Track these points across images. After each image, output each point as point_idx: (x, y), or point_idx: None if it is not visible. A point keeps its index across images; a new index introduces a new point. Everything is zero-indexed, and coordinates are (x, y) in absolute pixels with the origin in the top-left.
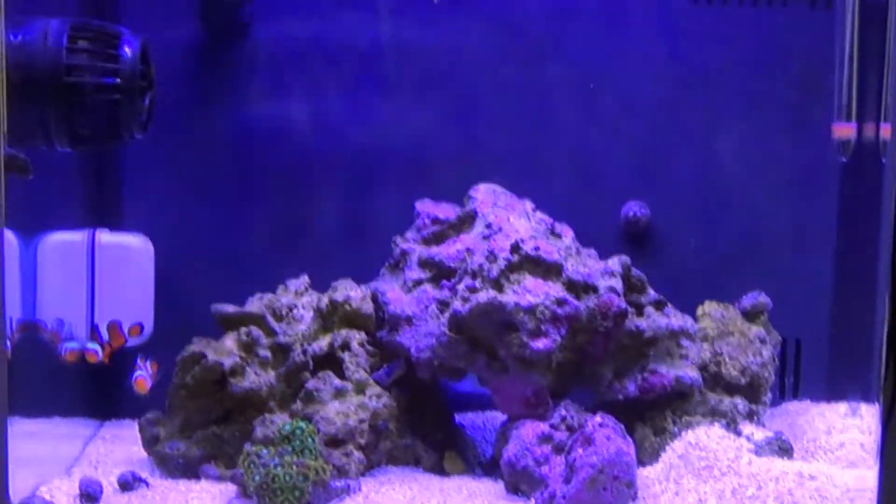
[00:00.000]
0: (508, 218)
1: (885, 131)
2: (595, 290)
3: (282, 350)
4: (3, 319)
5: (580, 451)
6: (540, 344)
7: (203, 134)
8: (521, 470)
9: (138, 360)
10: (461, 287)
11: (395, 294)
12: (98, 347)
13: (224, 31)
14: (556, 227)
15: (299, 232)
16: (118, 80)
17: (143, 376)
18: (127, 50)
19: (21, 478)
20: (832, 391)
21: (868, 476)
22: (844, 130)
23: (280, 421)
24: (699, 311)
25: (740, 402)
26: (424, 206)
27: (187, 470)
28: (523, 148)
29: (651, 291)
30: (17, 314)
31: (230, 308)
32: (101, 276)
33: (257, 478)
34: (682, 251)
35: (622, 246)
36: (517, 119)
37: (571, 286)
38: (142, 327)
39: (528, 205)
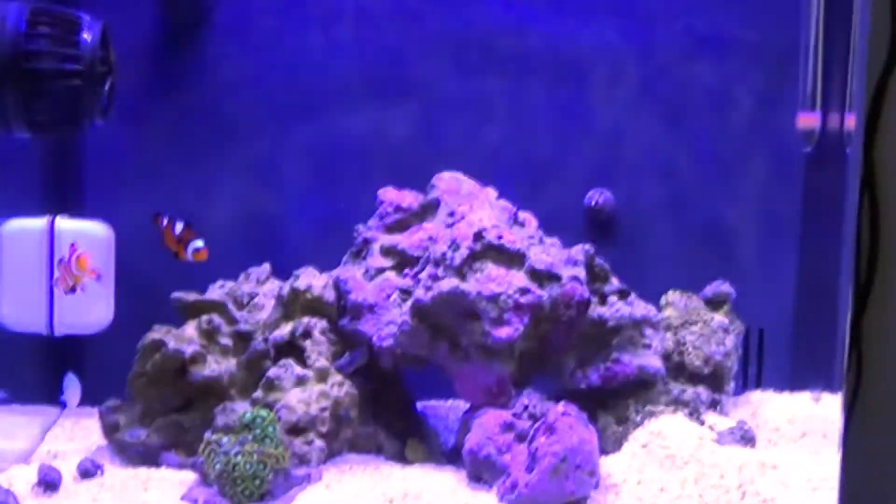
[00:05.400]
0: (471, 206)
1: (850, 122)
2: (558, 279)
3: (243, 338)
4: None
5: (542, 439)
6: (502, 333)
7: (164, 120)
8: (483, 459)
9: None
10: (424, 275)
11: (358, 282)
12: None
13: (186, 16)
14: (519, 215)
15: (262, 220)
16: (78, 65)
17: (201, 248)
18: (87, 35)
19: None
20: (795, 380)
21: (831, 464)
22: (809, 120)
23: (241, 409)
24: (663, 300)
25: (703, 392)
26: (387, 194)
27: (147, 458)
28: (486, 136)
29: (614, 280)
30: None
31: (191, 296)
32: None
33: (218, 466)
34: (646, 240)
35: (587, 234)
36: (479, 107)
37: (534, 275)
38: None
39: (492, 193)
